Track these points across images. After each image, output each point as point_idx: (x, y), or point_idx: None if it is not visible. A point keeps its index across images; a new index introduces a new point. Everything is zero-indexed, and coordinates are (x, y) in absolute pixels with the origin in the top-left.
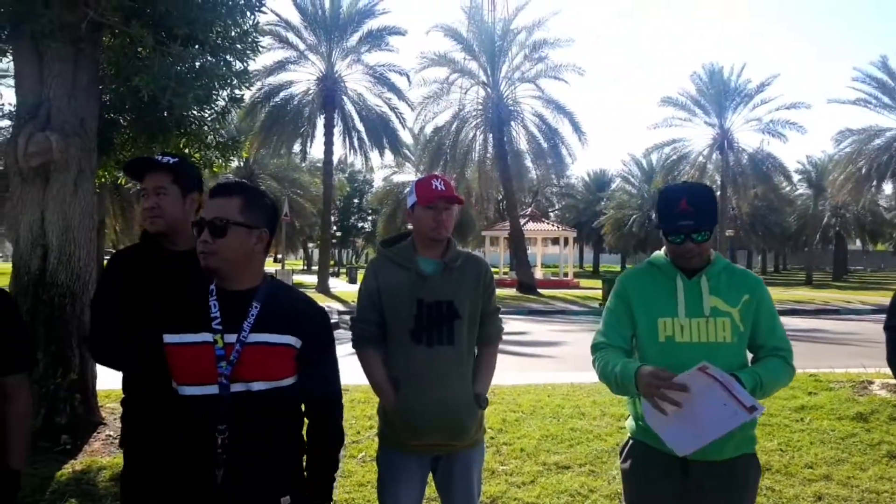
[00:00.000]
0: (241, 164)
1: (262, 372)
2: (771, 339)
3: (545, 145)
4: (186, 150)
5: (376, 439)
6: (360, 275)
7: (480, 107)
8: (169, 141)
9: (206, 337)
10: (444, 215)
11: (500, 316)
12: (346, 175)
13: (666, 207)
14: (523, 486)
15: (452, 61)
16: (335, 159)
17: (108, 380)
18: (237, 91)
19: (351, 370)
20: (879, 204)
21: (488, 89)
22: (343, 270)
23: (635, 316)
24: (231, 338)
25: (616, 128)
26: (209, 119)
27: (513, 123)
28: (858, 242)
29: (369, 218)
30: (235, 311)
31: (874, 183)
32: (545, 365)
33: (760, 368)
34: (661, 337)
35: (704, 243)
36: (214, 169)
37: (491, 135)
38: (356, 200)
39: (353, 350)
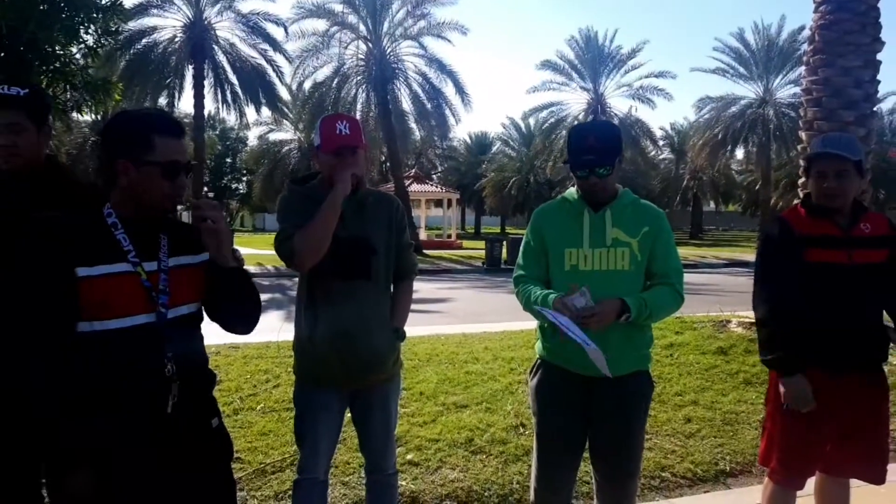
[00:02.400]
0: (98, 116)
1: (190, 294)
2: (663, 267)
3: (429, 106)
4: (51, 90)
5: (273, 392)
6: (238, 238)
7: (362, 63)
8: (31, 80)
9: (125, 267)
10: (349, 160)
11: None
12: (217, 132)
13: (573, 144)
14: (425, 425)
15: (331, 13)
16: (206, 114)
17: None
18: (110, 24)
19: None
20: (732, 168)
21: (370, 45)
22: None
23: (547, 247)
24: (151, 266)
25: (498, 90)
26: (77, 56)
27: (396, 82)
28: (713, 204)
29: (244, 179)
30: (145, 240)
31: (729, 148)
32: (436, 319)
33: (647, 294)
34: (567, 266)
35: (608, 178)
36: (82, 114)
37: (374, 93)
38: (229, 160)
39: (287, 243)
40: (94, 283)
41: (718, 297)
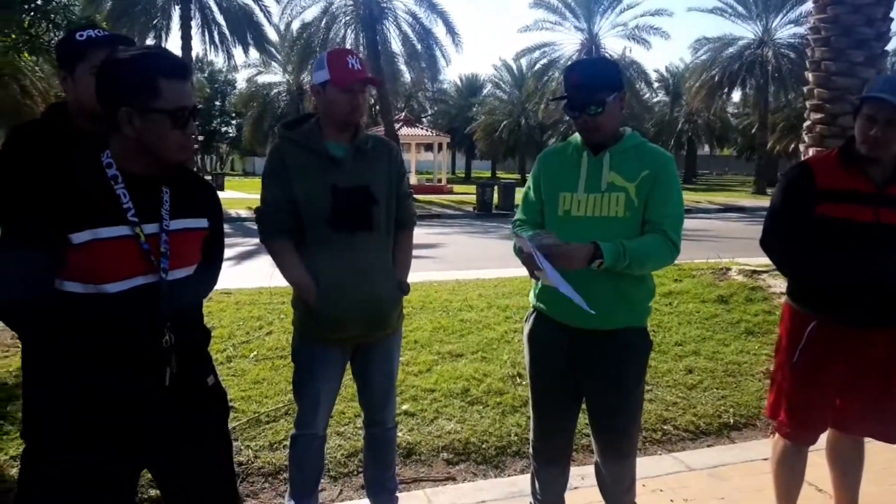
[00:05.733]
0: None
1: (190, 257)
2: (657, 213)
3: (419, 47)
4: (32, 31)
5: (267, 339)
6: (228, 182)
7: (351, 2)
8: (11, 18)
9: (123, 231)
10: (360, 98)
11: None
12: (206, 75)
13: (565, 82)
14: (420, 374)
15: None
16: (193, 56)
17: None
18: None
19: (230, 276)
20: (728, 111)
21: None
22: (208, 178)
23: (542, 192)
24: (151, 228)
25: (489, 30)
26: None
27: (385, 22)
28: (707, 148)
29: (233, 122)
30: (146, 198)
31: (725, 90)
32: (427, 265)
33: (629, 241)
34: (560, 211)
35: (600, 117)
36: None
37: (363, 34)
38: (217, 103)
39: (263, 243)
40: (89, 248)
41: (715, 242)
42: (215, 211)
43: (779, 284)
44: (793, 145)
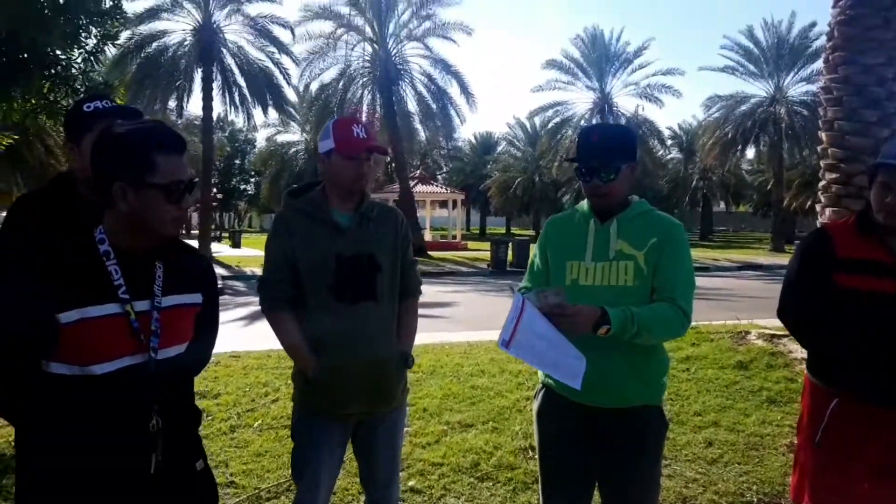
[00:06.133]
0: None
1: (181, 335)
2: (665, 281)
3: (434, 106)
4: (51, 96)
5: (272, 407)
6: (245, 239)
7: (368, 65)
8: (31, 84)
9: (114, 309)
10: (365, 167)
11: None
12: (227, 134)
13: (578, 145)
14: (428, 446)
15: (338, 15)
16: (214, 116)
17: None
18: (110, 29)
19: (240, 336)
20: (742, 168)
21: (376, 46)
22: (226, 235)
23: (549, 260)
24: (142, 305)
25: (502, 89)
26: (78, 60)
27: (401, 83)
28: (722, 204)
29: (252, 180)
30: (139, 274)
31: (739, 147)
32: (439, 325)
33: (639, 308)
34: (568, 280)
35: (613, 184)
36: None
37: (379, 94)
38: (237, 161)
39: (264, 313)
40: (78, 327)
41: (733, 302)
42: (210, 285)
43: (800, 350)
44: (809, 202)
